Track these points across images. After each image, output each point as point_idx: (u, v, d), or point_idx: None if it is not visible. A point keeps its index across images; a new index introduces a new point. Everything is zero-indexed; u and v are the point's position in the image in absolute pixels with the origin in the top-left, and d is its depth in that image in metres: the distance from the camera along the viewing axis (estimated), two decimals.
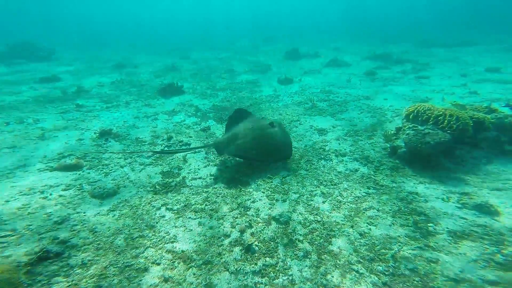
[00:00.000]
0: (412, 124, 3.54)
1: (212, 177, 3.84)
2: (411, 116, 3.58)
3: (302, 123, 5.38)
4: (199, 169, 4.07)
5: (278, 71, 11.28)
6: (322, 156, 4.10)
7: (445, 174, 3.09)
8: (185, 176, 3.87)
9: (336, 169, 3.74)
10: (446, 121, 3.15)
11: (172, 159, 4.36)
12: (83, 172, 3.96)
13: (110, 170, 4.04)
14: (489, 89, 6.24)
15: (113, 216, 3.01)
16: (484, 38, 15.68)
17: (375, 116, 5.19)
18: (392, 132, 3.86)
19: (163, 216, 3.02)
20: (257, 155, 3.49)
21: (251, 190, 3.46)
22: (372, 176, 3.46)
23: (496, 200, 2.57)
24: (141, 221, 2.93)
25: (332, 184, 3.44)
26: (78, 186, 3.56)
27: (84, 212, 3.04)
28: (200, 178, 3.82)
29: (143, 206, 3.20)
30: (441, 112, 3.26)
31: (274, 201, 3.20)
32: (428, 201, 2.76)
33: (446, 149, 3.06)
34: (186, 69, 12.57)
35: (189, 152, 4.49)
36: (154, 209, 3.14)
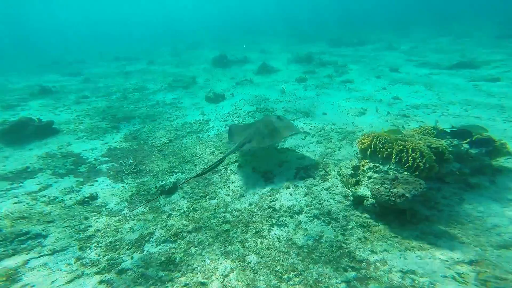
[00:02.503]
0: (372, 164, 2.90)
1: None
2: (368, 152, 2.95)
3: (242, 165, 4.19)
4: None
5: (205, 85, 9.80)
6: (273, 221, 2.99)
7: (427, 228, 2.52)
8: None
9: (296, 243, 2.69)
10: (410, 158, 2.60)
11: None
12: None
13: None
14: (405, 93, 6.82)
15: None
16: (370, 38, 18.84)
17: (321, 142, 4.55)
18: (349, 172, 3.16)
19: None
20: (277, 138, 3.89)
21: None
22: (343, 245, 2.59)
23: None
24: None
25: (296, 275, 2.37)
26: None
27: None
28: None
29: None
30: (401, 146, 2.71)
31: None
32: (437, 286, 2.03)
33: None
34: (69, 92, 9.30)
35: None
36: None
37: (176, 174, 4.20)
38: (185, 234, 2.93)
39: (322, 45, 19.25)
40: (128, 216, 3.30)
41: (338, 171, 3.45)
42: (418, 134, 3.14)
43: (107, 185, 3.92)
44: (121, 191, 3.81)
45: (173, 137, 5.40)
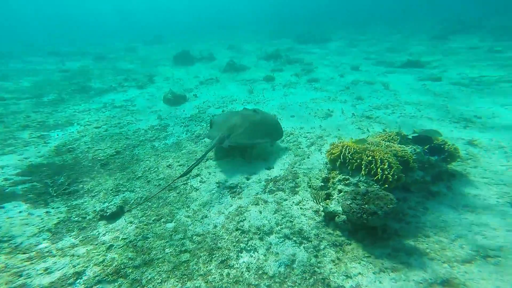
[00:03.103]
0: (342, 176, 2.76)
1: None
2: (338, 164, 2.81)
3: (205, 180, 3.73)
4: None
5: (164, 84, 8.87)
6: (242, 245, 2.66)
7: (398, 243, 2.45)
8: None
9: (266, 272, 2.39)
10: (379, 170, 2.52)
11: None
12: None
13: None
14: (366, 92, 7.08)
15: None
16: (333, 35, 19.65)
17: (290, 148, 4.33)
18: (319, 184, 3.00)
19: None
20: (259, 138, 3.76)
21: None
22: (317, 269, 2.38)
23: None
24: None
25: None
26: None
27: None
28: None
29: None
30: (370, 157, 2.62)
31: None
32: None
33: None
34: None
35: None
36: None
37: (123, 193, 3.56)
38: (130, 271, 2.41)
39: (289, 42, 19.46)
40: (47, 252, 2.61)
41: (308, 183, 3.27)
42: (383, 140, 3.13)
43: (20, 212, 3.09)
44: (42, 218, 3.03)
45: (122, 148, 4.63)
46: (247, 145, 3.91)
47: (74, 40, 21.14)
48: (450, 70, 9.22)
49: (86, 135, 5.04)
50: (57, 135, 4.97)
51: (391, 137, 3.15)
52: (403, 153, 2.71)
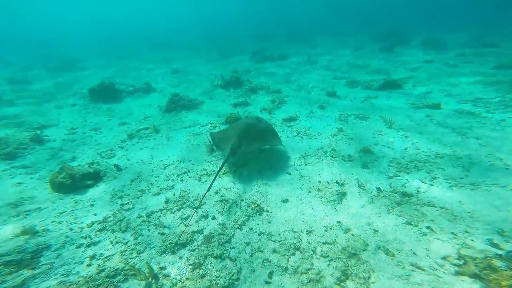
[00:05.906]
0: None
1: None
2: None
3: None
4: None
5: (64, 145, 6.20)
6: None
7: None
8: None
9: None
10: None
11: None
12: None
13: None
14: (368, 135, 5.88)
15: None
16: (287, 51, 19.79)
17: (304, 284, 2.49)
18: None
19: None
20: (263, 142, 4.53)
21: None
22: None
23: None
24: None
25: None
26: None
27: None
28: None
29: None
30: None
31: None
32: None
33: None
34: None
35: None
36: None
37: None
38: None
39: (245, 60, 18.85)
40: None
41: None
42: None
43: None
44: None
45: None
46: (257, 149, 4.63)
47: None
48: (435, 91, 9.10)
49: None
50: None
51: None
52: None
